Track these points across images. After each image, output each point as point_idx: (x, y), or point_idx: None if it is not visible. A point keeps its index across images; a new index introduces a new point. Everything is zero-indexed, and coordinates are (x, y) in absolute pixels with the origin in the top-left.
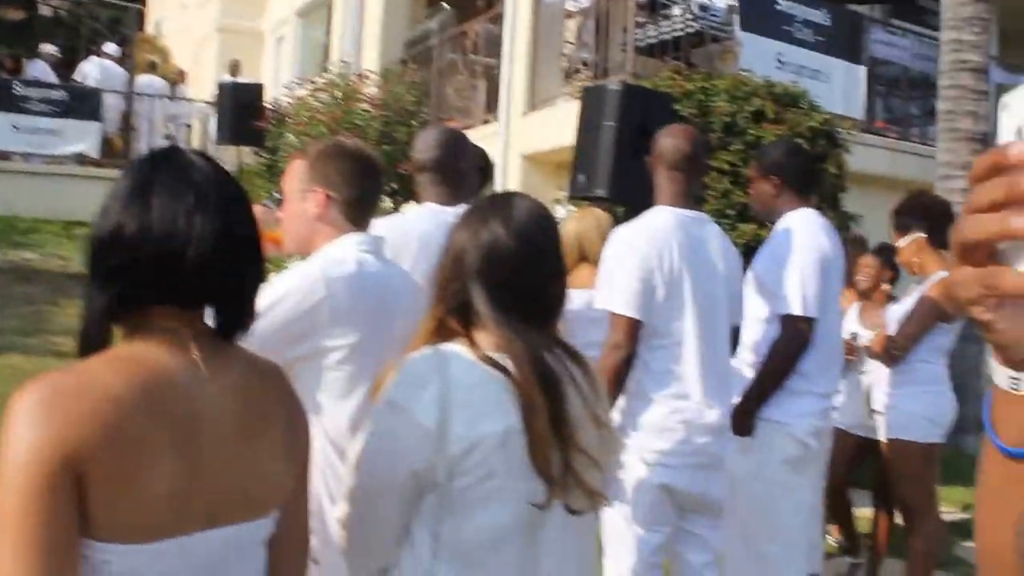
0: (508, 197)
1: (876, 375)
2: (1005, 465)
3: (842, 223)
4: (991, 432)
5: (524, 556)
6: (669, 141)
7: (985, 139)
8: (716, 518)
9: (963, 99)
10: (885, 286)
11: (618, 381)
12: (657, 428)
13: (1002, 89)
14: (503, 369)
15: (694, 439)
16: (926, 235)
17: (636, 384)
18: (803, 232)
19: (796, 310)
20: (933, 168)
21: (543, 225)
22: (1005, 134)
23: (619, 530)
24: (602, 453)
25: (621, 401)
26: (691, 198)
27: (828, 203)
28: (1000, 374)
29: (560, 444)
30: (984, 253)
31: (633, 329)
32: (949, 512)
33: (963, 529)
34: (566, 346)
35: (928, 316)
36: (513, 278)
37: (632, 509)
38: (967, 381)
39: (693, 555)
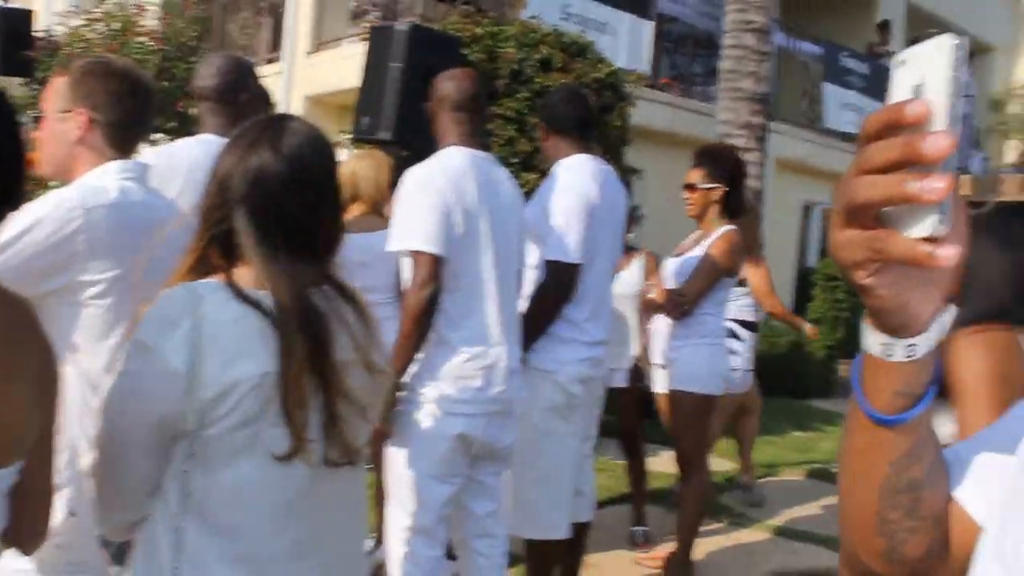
0: (282, 120)
1: (658, 327)
2: (873, 431)
3: (625, 176)
4: (861, 397)
5: (279, 510)
6: (451, 83)
7: (765, 99)
8: (503, 466)
9: (745, 59)
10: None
11: (426, 319)
12: (454, 375)
13: (782, 52)
14: (262, 307)
15: (492, 386)
16: (728, 190)
17: (432, 331)
18: (570, 178)
19: (559, 256)
20: (714, 126)
21: (318, 152)
22: (899, 91)
23: (408, 481)
24: (372, 401)
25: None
26: (478, 139)
27: (611, 155)
28: (873, 340)
29: (323, 390)
30: (871, 216)
31: (436, 265)
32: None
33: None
34: (340, 284)
35: (716, 271)
36: (282, 207)
37: (425, 460)
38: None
39: (477, 504)
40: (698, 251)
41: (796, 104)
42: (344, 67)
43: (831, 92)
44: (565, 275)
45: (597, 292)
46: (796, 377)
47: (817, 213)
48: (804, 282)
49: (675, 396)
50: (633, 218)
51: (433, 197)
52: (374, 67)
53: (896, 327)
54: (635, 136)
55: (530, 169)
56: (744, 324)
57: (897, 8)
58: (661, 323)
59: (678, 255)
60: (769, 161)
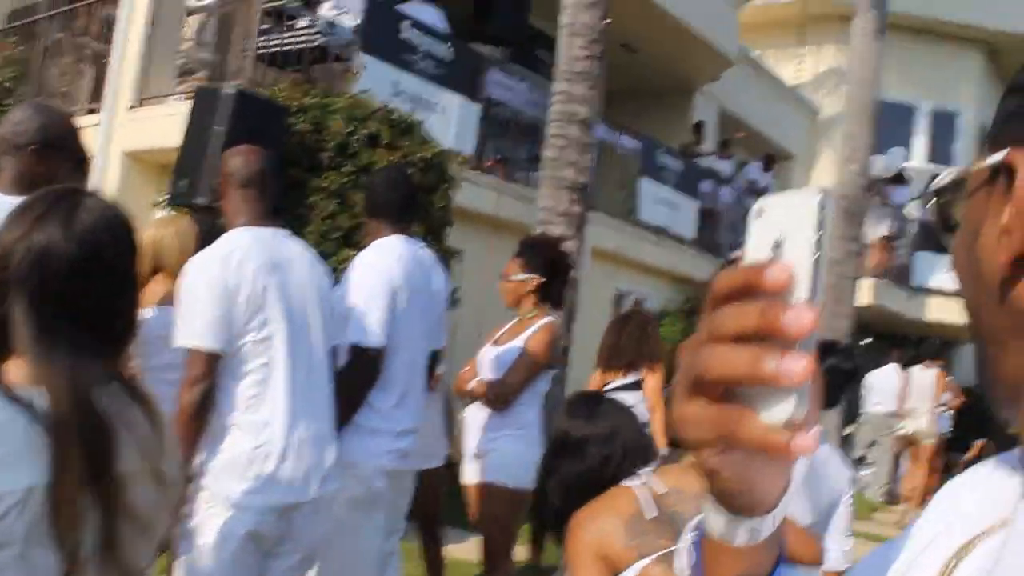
0: (77, 194)
1: (471, 417)
2: None
3: (445, 257)
4: None
5: None
6: (238, 159)
7: (585, 189)
8: (307, 564)
9: (568, 149)
10: None
11: (200, 419)
12: (242, 468)
13: (603, 144)
14: (33, 409)
15: (285, 478)
16: (544, 281)
17: (220, 416)
18: (377, 259)
19: (359, 339)
20: (534, 212)
21: (116, 233)
22: (757, 246)
23: None
24: (158, 516)
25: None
26: (268, 215)
27: (433, 236)
28: (714, 520)
29: (100, 508)
30: (721, 389)
31: (212, 362)
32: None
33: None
34: (130, 383)
35: (536, 364)
36: (67, 294)
37: (213, 563)
38: (548, 418)
39: None
40: (518, 342)
41: (613, 196)
42: (167, 124)
43: (647, 186)
44: (366, 359)
45: (406, 379)
46: None
47: (629, 302)
48: None
49: (487, 488)
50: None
51: (212, 286)
52: (197, 129)
53: (740, 508)
54: (458, 217)
55: (351, 245)
56: None
57: (711, 112)
58: (475, 413)
59: (494, 343)
60: (586, 250)
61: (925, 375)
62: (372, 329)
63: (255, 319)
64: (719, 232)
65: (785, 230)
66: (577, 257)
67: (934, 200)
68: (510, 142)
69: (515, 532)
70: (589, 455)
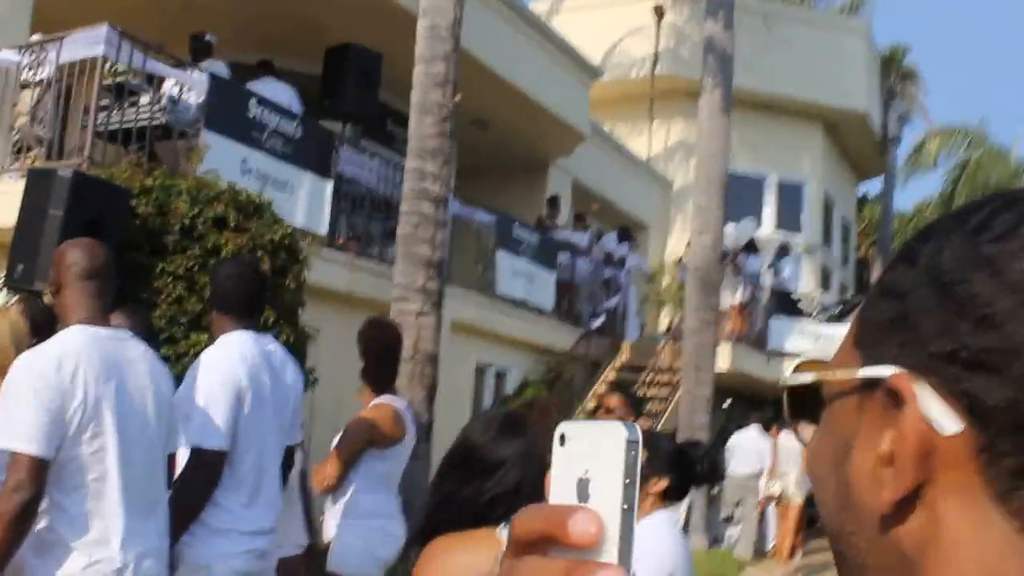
0: None
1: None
2: None
3: (299, 338)
4: None
5: None
6: (76, 252)
7: (441, 265)
8: None
9: (422, 226)
10: None
11: (20, 529)
12: None
13: (458, 219)
14: None
15: None
16: (370, 364)
17: (49, 532)
18: (220, 359)
19: (199, 441)
20: (390, 288)
21: None
22: (561, 480)
23: None
24: None
25: (30, 555)
26: (107, 313)
27: (286, 319)
28: None
29: None
30: None
31: (38, 468)
32: None
33: None
34: None
35: (355, 444)
36: None
37: None
38: (413, 498)
39: None
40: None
41: (470, 269)
42: (2, 203)
43: (503, 259)
44: (207, 462)
45: (256, 477)
46: None
47: (491, 374)
48: None
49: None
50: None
51: (41, 390)
52: (32, 211)
53: None
54: (312, 296)
55: (201, 328)
56: None
57: (565, 185)
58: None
59: None
60: (445, 324)
61: (792, 439)
62: (212, 431)
63: (87, 430)
64: (577, 302)
65: (591, 467)
66: (436, 332)
67: (785, 391)
68: (364, 219)
69: None
70: (486, 481)
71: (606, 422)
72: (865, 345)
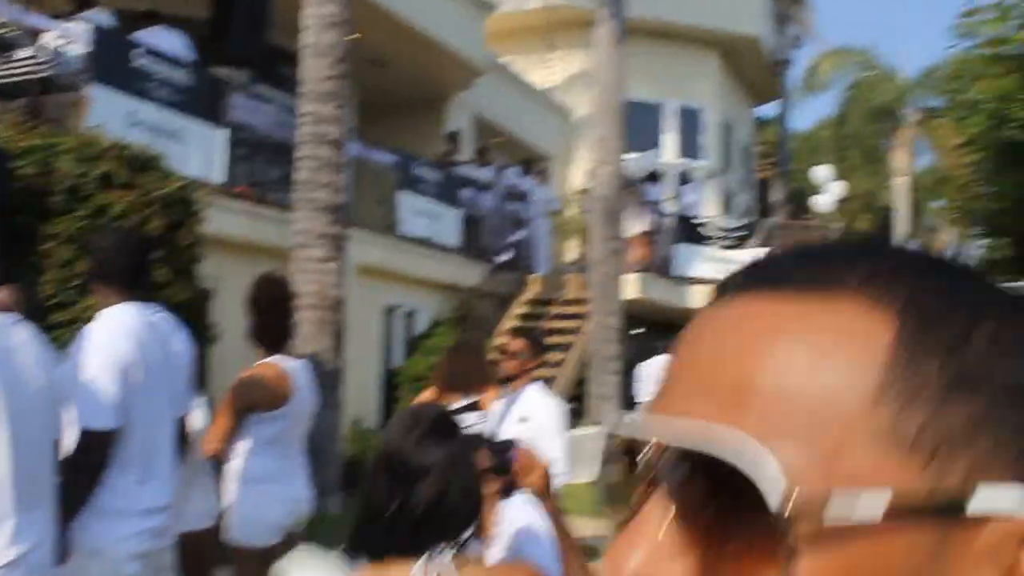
0: None
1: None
2: None
3: (197, 295)
4: None
5: None
6: None
7: (342, 209)
8: None
9: (320, 170)
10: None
11: None
12: None
13: (358, 161)
14: None
15: None
16: (253, 323)
17: None
18: (104, 335)
19: (86, 422)
20: (291, 235)
21: None
22: None
23: None
24: None
25: None
26: None
27: (181, 275)
28: None
29: None
30: None
31: None
32: None
33: None
34: None
35: (235, 407)
36: None
37: None
38: (325, 446)
39: None
40: None
41: (373, 211)
42: None
43: (406, 199)
44: (94, 442)
45: (148, 453)
46: None
47: (400, 314)
48: (390, 383)
49: (233, 548)
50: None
51: None
52: None
53: None
54: (212, 247)
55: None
56: None
57: (465, 120)
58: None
59: None
60: (350, 268)
61: None
62: (100, 411)
63: None
64: (483, 238)
65: None
66: (339, 277)
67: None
68: (262, 165)
69: None
70: (410, 491)
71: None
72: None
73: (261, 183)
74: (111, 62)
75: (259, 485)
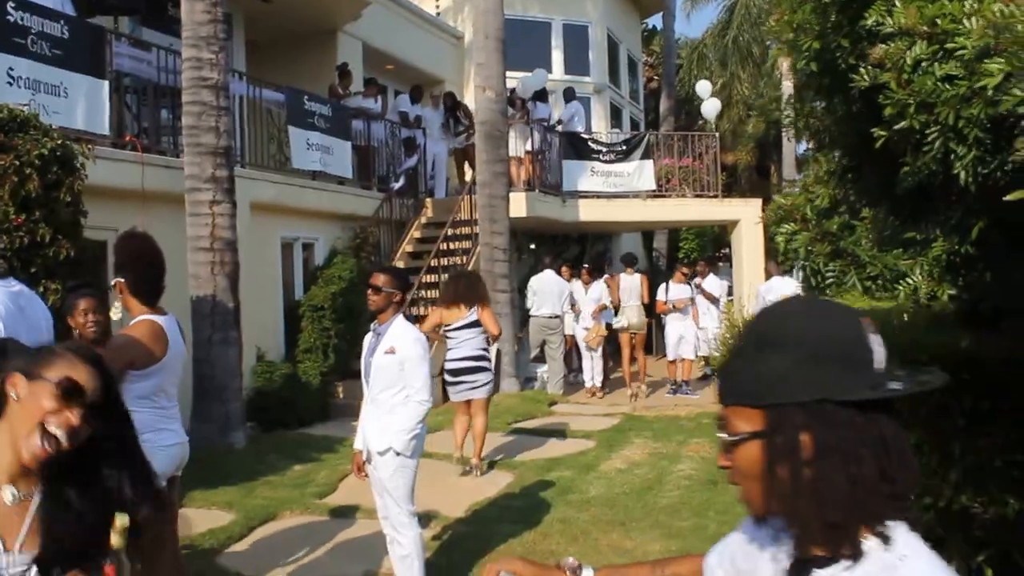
0: None
1: None
2: None
3: (83, 250)
4: None
5: None
6: None
7: (228, 153)
8: None
9: (205, 115)
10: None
11: None
12: None
13: (249, 101)
14: None
15: None
16: (129, 280)
17: None
18: None
19: None
20: (183, 180)
21: None
22: None
23: None
24: None
25: None
26: None
27: (64, 233)
28: None
29: None
30: None
31: None
32: (219, 510)
33: (222, 533)
34: None
35: (117, 367)
36: None
37: None
38: (227, 382)
39: None
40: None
41: (265, 149)
42: None
43: (296, 135)
44: None
45: None
46: (294, 408)
47: (298, 248)
48: (292, 314)
49: None
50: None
51: None
52: None
53: None
54: (104, 198)
55: None
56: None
57: (354, 51)
58: None
59: None
60: (244, 206)
61: (632, 279)
62: None
63: None
64: (376, 167)
65: None
66: (231, 219)
67: None
68: (150, 112)
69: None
70: None
71: None
72: None
73: (150, 130)
74: None
75: (141, 436)
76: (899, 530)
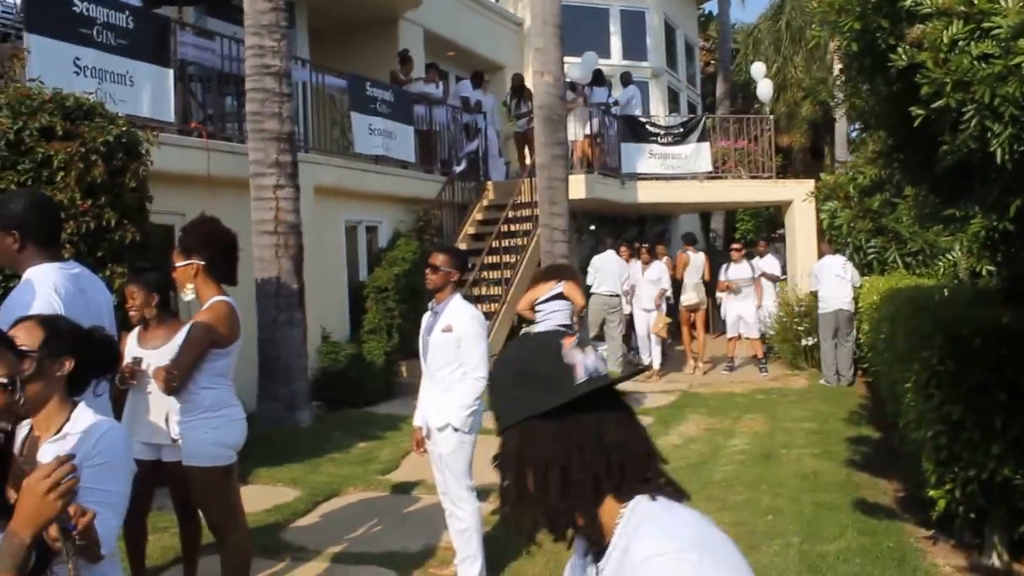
0: None
1: (172, 403)
2: None
3: (147, 234)
4: None
5: None
6: None
7: (291, 138)
8: None
9: (268, 102)
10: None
11: None
12: None
13: (313, 87)
14: None
15: None
16: (204, 263)
17: None
18: (26, 295)
19: None
20: (248, 166)
21: None
22: None
23: None
24: None
25: None
26: None
27: (130, 218)
28: None
29: None
30: None
31: None
32: (284, 487)
33: (287, 509)
34: None
35: (200, 343)
36: None
37: None
38: (292, 362)
39: None
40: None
41: (328, 134)
42: None
43: (359, 120)
44: None
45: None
46: (358, 387)
47: (362, 230)
48: (357, 296)
49: (188, 472)
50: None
51: None
52: None
53: None
54: (172, 184)
55: None
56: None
57: (415, 37)
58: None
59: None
60: (308, 190)
61: (697, 256)
62: None
63: None
64: (438, 151)
65: None
66: (295, 202)
67: None
68: (215, 99)
69: (232, 505)
70: None
71: None
72: None
73: (215, 117)
74: (48, 10)
75: (216, 411)
76: (639, 502)
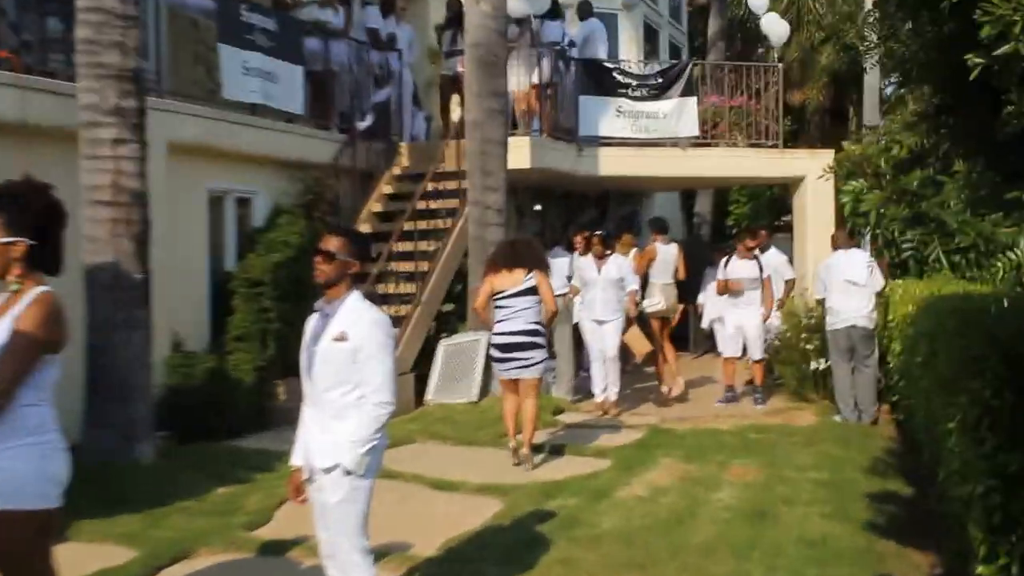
0: None
1: None
2: None
3: None
4: None
5: None
6: None
7: (137, 77)
8: None
9: (107, 26)
10: None
11: None
12: None
13: (169, 11)
14: None
15: None
16: (35, 242)
17: None
18: None
19: None
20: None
21: None
22: None
23: None
24: None
25: None
26: None
27: None
28: None
29: None
30: None
31: None
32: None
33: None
34: None
35: (30, 351)
36: None
37: None
38: (132, 377)
39: None
40: (5, 323)
41: (188, 74)
42: None
43: (229, 55)
44: None
45: None
46: (219, 412)
47: (230, 204)
48: (221, 291)
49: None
50: None
51: None
52: None
53: None
54: None
55: None
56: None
57: None
58: None
59: None
60: (159, 148)
61: (667, 249)
62: None
63: None
64: (337, 99)
65: None
66: (140, 163)
67: None
68: (35, 21)
69: (42, 568)
70: None
71: None
72: None
73: (35, 44)
74: None
75: (40, 436)
76: None
